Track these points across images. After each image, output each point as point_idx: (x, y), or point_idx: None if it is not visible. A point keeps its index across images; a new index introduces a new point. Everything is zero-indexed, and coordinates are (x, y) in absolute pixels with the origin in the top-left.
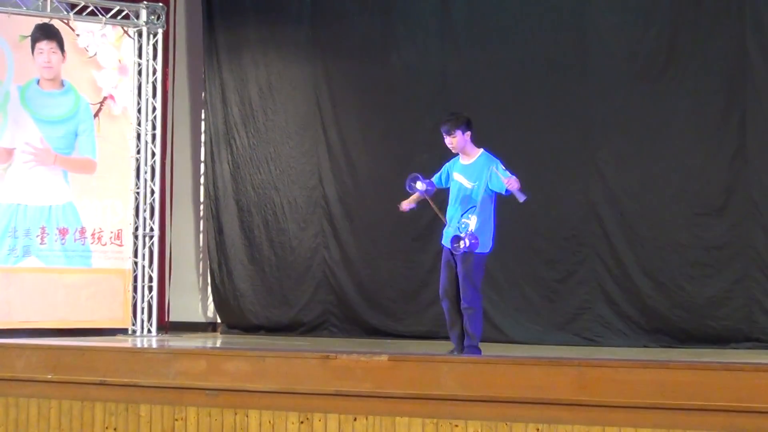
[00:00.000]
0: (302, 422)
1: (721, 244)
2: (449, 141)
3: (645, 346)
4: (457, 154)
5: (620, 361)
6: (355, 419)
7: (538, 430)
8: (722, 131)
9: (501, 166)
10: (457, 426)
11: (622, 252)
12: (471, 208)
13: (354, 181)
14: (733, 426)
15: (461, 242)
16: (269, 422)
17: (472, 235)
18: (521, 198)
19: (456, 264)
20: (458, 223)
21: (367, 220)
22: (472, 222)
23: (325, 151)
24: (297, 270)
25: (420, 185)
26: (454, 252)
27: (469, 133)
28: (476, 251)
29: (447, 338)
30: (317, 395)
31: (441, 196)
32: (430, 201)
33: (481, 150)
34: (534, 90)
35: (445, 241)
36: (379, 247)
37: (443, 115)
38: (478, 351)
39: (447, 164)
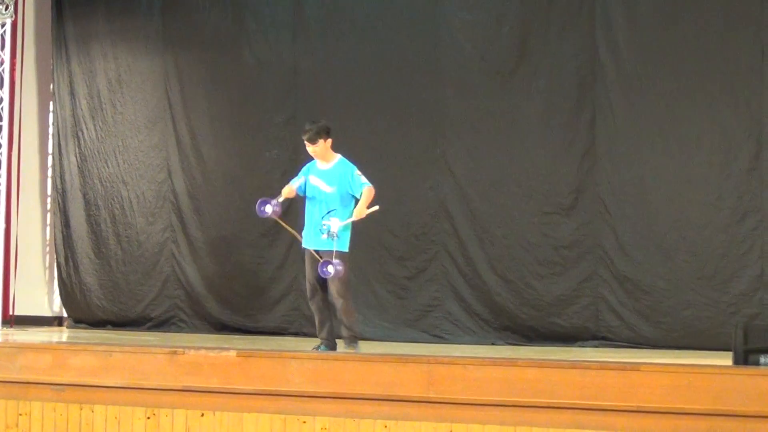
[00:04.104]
0: (149, 418)
1: (570, 243)
2: (311, 149)
3: (493, 344)
4: (313, 159)
5: (469, 359)
6: (202, 415)
7: (386, 426)
8: (572, 130)
9: (357, 172)
10: (305, 422)
11: (472, 250)
12: (332, 210)
13: (203, 175)
14: (579, 423)
15: (330, 267)
16: (115, 417)
17: (339, 262)
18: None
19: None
20: (320, 225)
21: (216, 215)
22: (333, 224)
23: (174, 145)
24: (144, 265)
25: (269, 208)
26: (323, 276)
27: (330, 140)
28: (339, 250)
29: (296, 334)
30: (164, 391)
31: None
32: (280, 221)
33: (339, 156)
34: (386, 87)
35: (306, 244)
36: (227, 242)
37: (304, 123)
38: (357, 342)
39: (303, 171)
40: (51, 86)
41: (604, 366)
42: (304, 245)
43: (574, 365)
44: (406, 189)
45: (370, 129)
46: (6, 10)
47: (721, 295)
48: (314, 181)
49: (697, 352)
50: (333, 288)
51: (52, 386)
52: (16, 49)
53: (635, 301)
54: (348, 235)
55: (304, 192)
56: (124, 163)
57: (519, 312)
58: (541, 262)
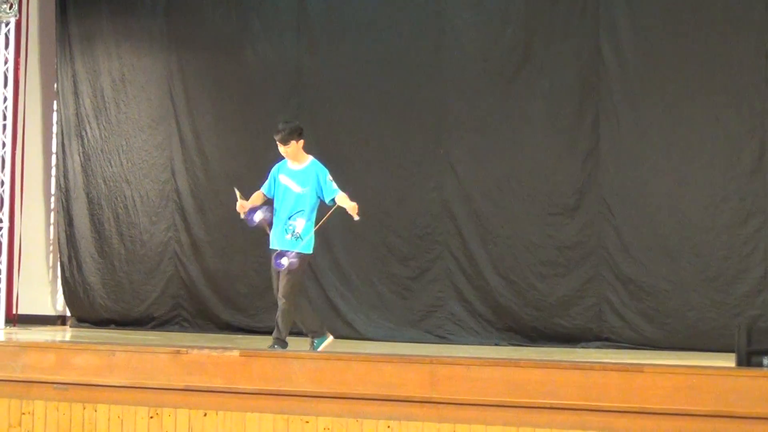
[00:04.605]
0: (152, 417)
1: (573, 244)
2: (283, 149)
3: (496, 344)
4: (284, 159)
5: (471, 359)
6: (205, 415)
7: (389, 427)
8: (575, 131)
9: (329, 177)
10: (308, 422)
11: (475, 250)
12: (299, 211)
13: (206, 175)
14: (582, 424)
15: (284, 259)
16: (118, 417)
17: (294, 255)
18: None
19: None
20: (285, 225)
21: (219, 214)
22: (299, 224)
23: (177, 145)
24: (148, 264)
25: (259, 215)
26: (277, 267)
27: (302, 141)
28: (302, 251)
29: (299, 334)
30: (167, 390)
31: None
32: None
33: (311, 157)
34: (389, 87)
35: (272, 244)
36: (230, 241)
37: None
38: (285, 345)
39: (272, 171)
40: (55, 85)
41: (607, 367)
42: (270, 246)
43: (577, 366)
44: (409, 189)
45: (373, 129)
46: (10, 9)
47: (725, 296)
48: (284, 180)
49: (700, 353)
50: (281, 286)
51: (55, 385)
52: (20, 48)
53: (638, 302)
54: (312, 237)
55: (273, 193)
56: (127, 163)
57: (522, 313)
58: (545, 263)
